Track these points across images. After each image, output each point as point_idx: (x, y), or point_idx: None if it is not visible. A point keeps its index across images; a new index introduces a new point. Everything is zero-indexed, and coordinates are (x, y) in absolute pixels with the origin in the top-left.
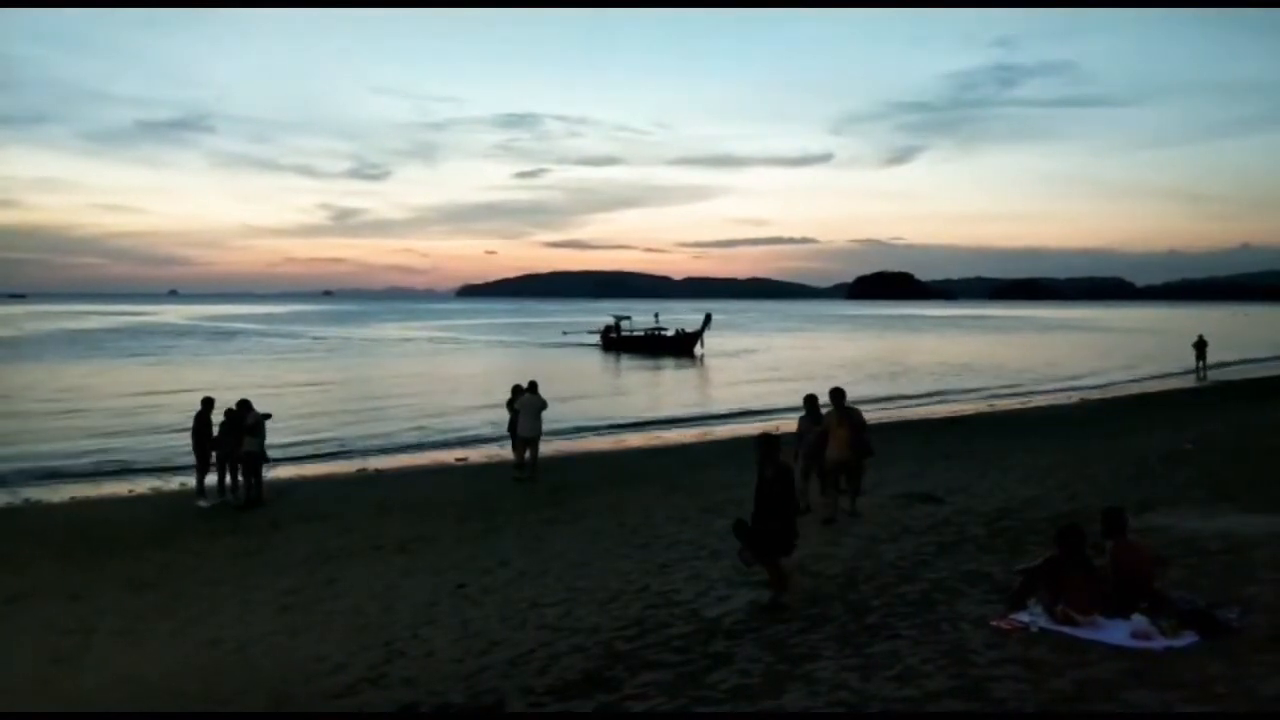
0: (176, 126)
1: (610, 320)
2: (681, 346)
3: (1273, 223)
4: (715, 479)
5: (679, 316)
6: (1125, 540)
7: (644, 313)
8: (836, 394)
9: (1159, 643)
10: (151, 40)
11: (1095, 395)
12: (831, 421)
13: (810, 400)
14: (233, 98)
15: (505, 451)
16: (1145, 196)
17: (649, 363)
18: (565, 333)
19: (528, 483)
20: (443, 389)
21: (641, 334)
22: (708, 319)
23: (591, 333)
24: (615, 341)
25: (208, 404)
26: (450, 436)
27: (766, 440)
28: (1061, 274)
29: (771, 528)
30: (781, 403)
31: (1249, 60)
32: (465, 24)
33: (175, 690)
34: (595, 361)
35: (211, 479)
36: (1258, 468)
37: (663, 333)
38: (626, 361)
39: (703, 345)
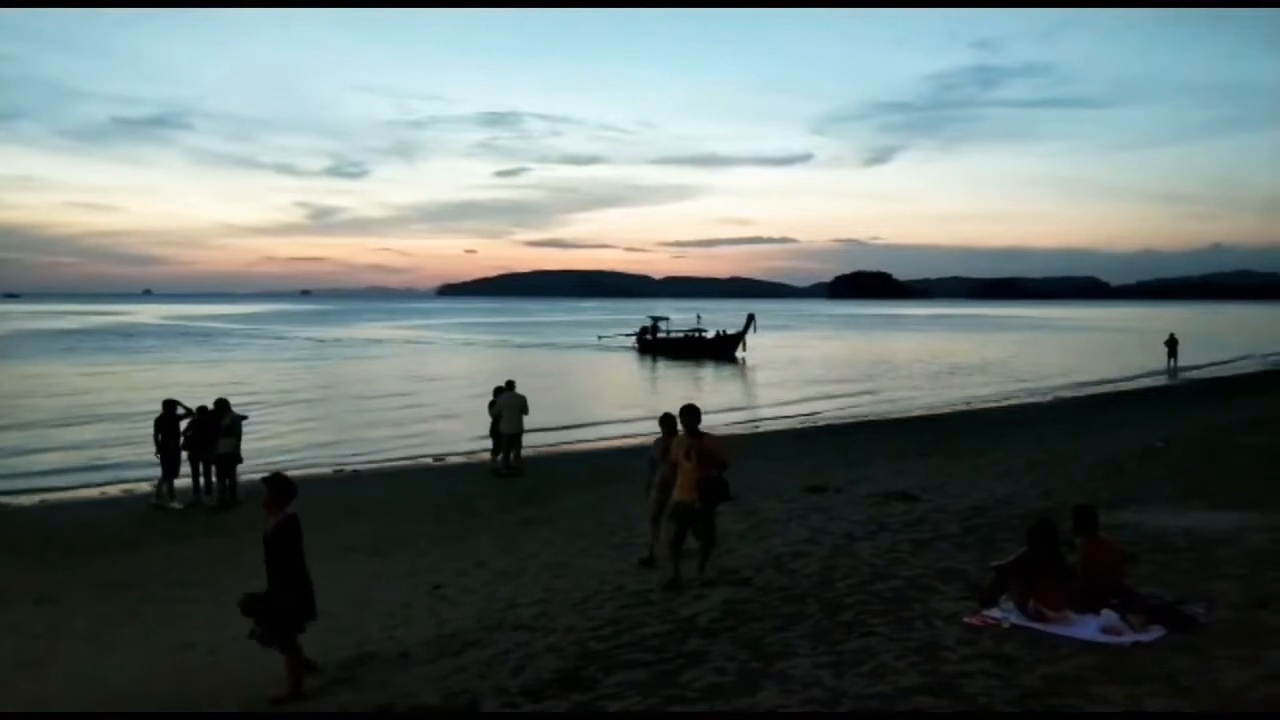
0: (154, 124)
1: (646, 321)
2: (722, 349)
3: (1244, 223)
4: None
5: (660, 316)
6: (1096, 537)
7: (625, 312)
8: (687, 414)
9: (1127, 638)
10: (130, 37)
11: (1069, 394)
12: (677, 452)
13: (667, 421)
14: (211, 95)
15: (484, 454)
16: (1121, 197)
17: (688, 367)
18: (600, 337)
19: (511, 478)
20: (426, 389)
21: (680, 336)
22: (750, 320)
23: (627, 335)
24: (651, 344)
25: (169, 405)
26: (429, 437)
27: (270, 483)
28: (1038, 273)
29: (274, 600)
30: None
31: (1226, 63)
32: (447, 22)
33: (145, 694)
34: (630, 366)
35: (186, 481)
36: (1225, 465)
37: (702, 334)
38: (663, 366)
39: (745, 348)
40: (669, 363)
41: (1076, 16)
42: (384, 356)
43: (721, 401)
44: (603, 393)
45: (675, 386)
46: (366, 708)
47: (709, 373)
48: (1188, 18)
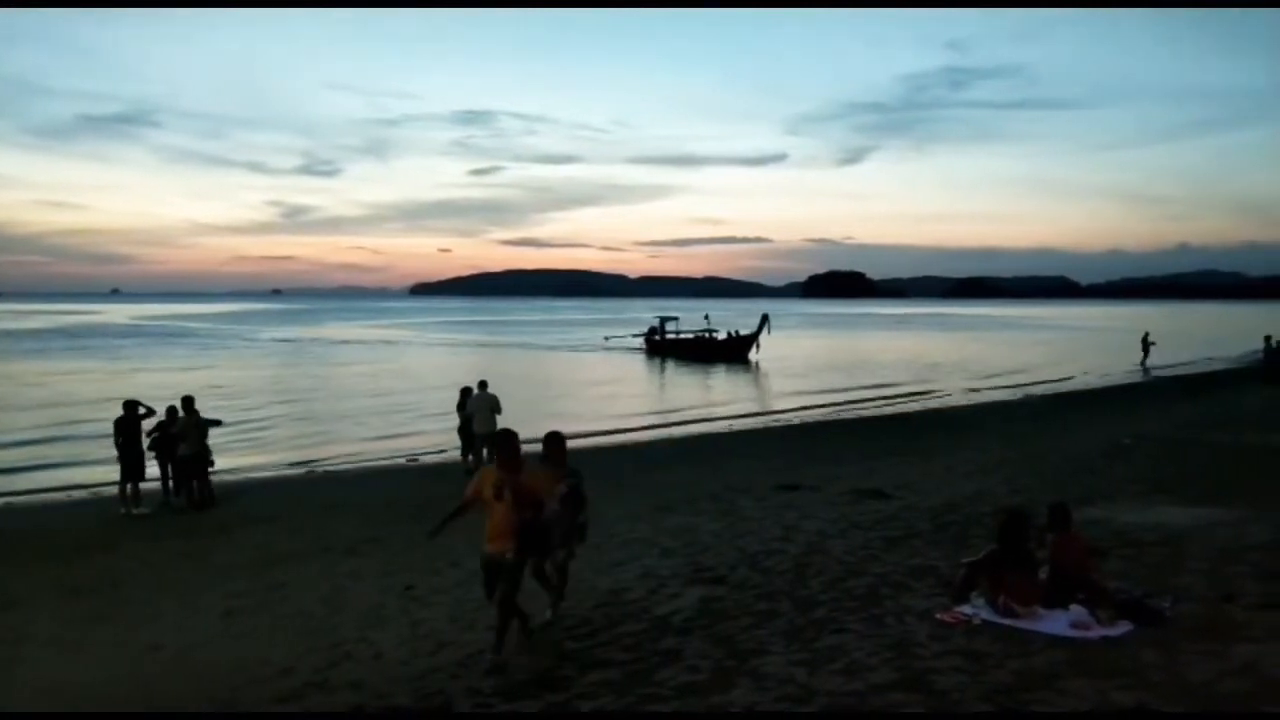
0: (122, 121)
1: (654, 322)
2: (735, 351)
3: (1211, 223)
4: (669, 478)
5: (637, 315)
6: (1066, 533)
7: (603, 312)
8: (503, 441)
9: (1096, 632)
10: (96, 33)
11: (1040, 391)
12: (485, 491)
13: (552, 440)
14: (181, 92)
15: (457, 454)
16: (1091, 197)
17: (699, 369)
18: (607, 338)
19: None
20: (403, 390)
21: (690, 337)
22: (765, 320)
23: (636, 335)
24: (660, 345)
25: (129, 406)
26: (403, 437)
27: None
28: (1010, 273)
29: None
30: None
31: (1195, 66)
32: (420, 19)
33: (113, 697)
34: (637, 368)
35: (155, 484)
36: (1191, 462)
37: (713, 335)
38: (673, 369)
39: (758, 349)
40: (679, 365)
41: (1048, 19)
42: (361, 360)
43: (739, 408)
44: (606, 396)
45: (685, 392)
46: (339, 708)
47: (720, 375)
48: (1160, 20)
